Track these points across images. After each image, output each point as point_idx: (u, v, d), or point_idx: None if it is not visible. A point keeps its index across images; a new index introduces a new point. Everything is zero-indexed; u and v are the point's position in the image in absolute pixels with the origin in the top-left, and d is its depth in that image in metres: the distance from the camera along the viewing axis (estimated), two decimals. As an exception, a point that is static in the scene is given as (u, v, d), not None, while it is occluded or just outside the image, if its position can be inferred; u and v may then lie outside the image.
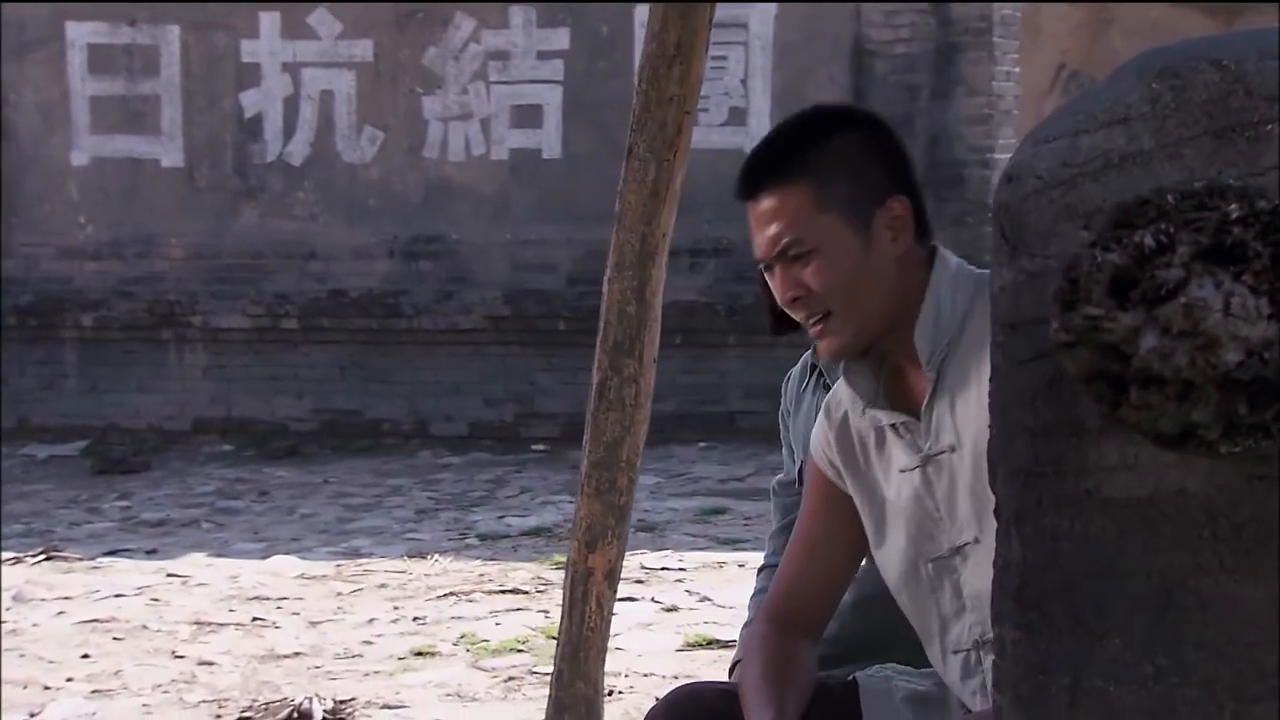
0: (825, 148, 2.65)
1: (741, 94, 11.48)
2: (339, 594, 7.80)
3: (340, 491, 10.68)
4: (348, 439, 12.23)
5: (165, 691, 6.22)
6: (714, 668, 6.31)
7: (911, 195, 2.68)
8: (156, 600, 7.70)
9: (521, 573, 8.02)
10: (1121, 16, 16.17)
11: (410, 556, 8.54)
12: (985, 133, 10.97)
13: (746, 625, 3.47)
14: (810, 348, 3.41)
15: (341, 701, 6.08)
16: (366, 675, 6.42)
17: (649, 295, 4.16)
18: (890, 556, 2.72)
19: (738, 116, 11.49)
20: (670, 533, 8.79)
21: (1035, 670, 1.50)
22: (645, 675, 6.13)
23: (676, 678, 6.14)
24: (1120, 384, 1.34)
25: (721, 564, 7.94)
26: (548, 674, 6.34)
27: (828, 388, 3.32)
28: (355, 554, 8.71)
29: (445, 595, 7.66)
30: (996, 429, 1.55)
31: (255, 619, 7.32)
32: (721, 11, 11.48)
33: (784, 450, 3.51)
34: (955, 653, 2.66)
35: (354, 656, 6.71)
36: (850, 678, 2.87)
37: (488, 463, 11.31)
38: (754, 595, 3.50)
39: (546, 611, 7.22)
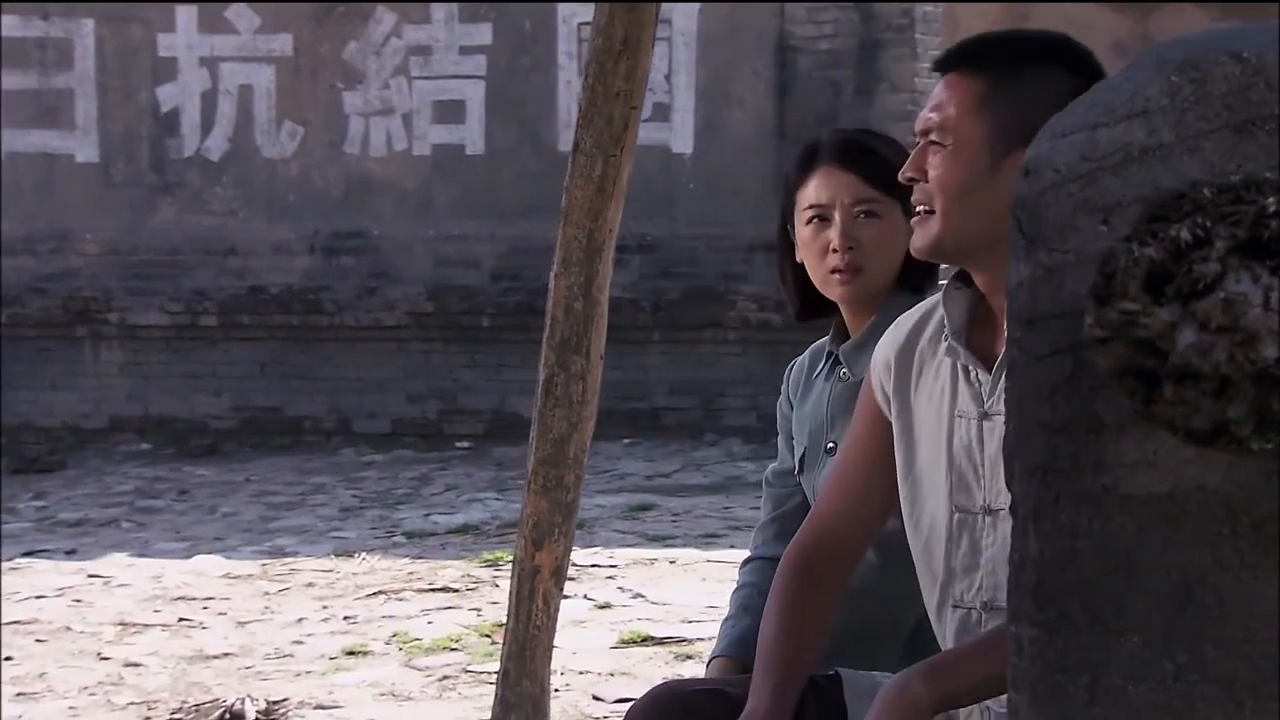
0: (1030, 68, 2.57)
1: (666, 90, 11.46)
2: (266, 593, 7.73)
3: (262, 490, 10.58)
4: (268, 436, 12.13)
5: (92, 694, 6.14)
6: (649, 664, 6.30)
7: None
8: (79, 601, 7.60)
9: (451, 570, 7.98)
10: (1037, 14, 16.27)
11: (337, 555, 8.47)
12: (909, 129, 10.97)
13: (738, 590, 3.43)
14: (828, 335, 3.39)
15: (274, 702, 6.02)
16: (298, 675, 6.36)
17: (595, 291, 4.14)
18: (918, 491, 2.69)
19: (661, 112, 11.47)
20: (599, 529, 8.77)
21: (1053, 669, 1.49)
22: (581, 673, 6.11)
23: (613, 675, 6.13)
24: (1151, 379, 1.32)
25: (652, 560, 7.92)
26: (482, 672, 6.33)
27: (844, 377, 3.29)
28: (280, 553, 8.63)
29: (375, 594, 7.60)
30: (1013, 425, 1.53)
31: (181, 619, 7.24)
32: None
33: (780, 439, 3.48)
34: (955, 607, 2.63)
35: (285, 656, 6.64)
36: (833, 671, 2.85)
37: (411, 460, 11.25)
38: (736, 590, 3.46)
39: (478, 609, 7.18)
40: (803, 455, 3.34)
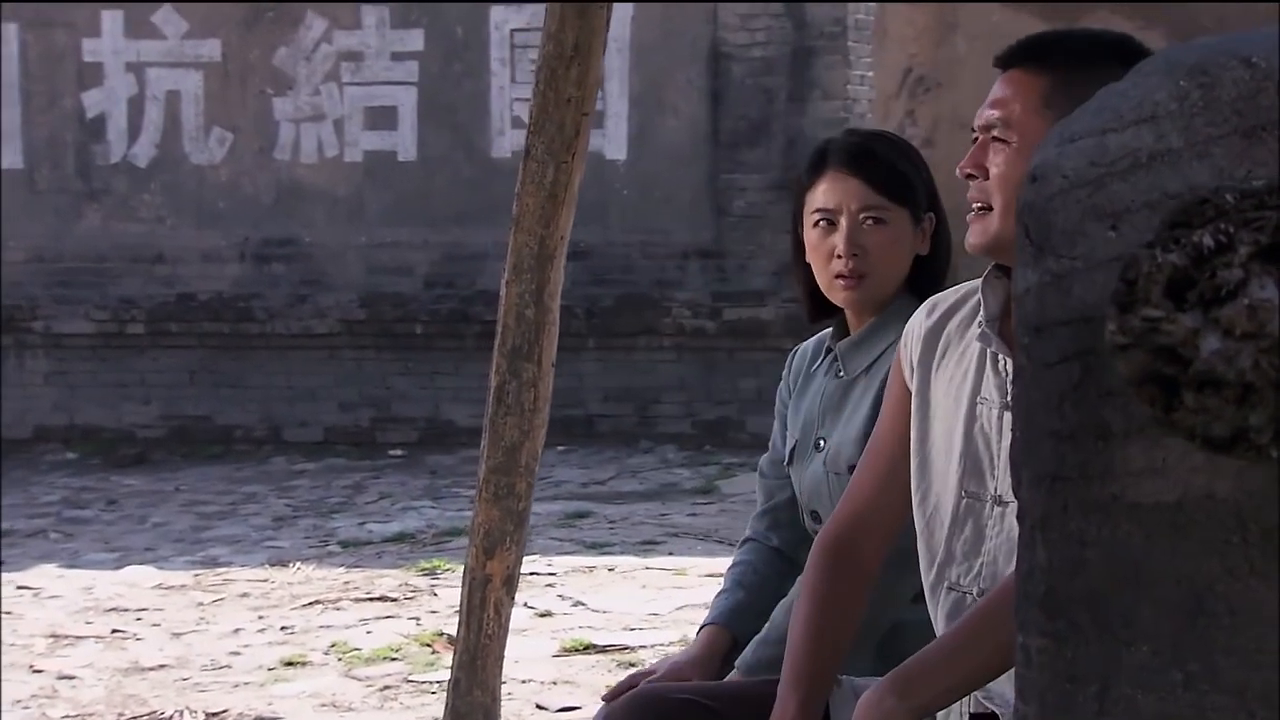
0: (1094, 66, 2.51)
1: (599, 96, 11.43)
2: (200, 604, 7.65)
3: (192, 499, 10.48)
4: (198, 445, 12.01)
5: (26, 707, 6.05)
6: (593, 673, 6.27)
7: None
8: (9, 613, 7.49)
9: (388, 580, 7.92)
10: (965, 20, 16.35)
11: (271, 565, 8.40)
12: (842, 136, 11.01)
13: (734, 566, 3.44)
14: (829, 328, 3.39)
15: (213, 714, 5.96)
16: (236, 686, 6.30)
17: (547, 298, 4.12)
18: (927, 469, 2.68)
19: (595, 119, 11.41)
20: (537, 537, 8.72)
21: (1061, 678, 1.47)
22: (524, 682, 6.07)
23: (555, 683, 6.10)
24: (1171, 386, 1.31)
25: (591, 568, 7.89)
26: (424, 682, 6.29)
27: (839, 375, 3.29)
28: (214, 563, 8.55)
29: (311, 603, 7.54)
30: (1020, 432, 1.52)
31: (115, 631, 7.15)
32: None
33: (775, 424, 3.48)
34: (950, 589, 2.63)
35: (222, 668, 6.57)
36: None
37: (344, 468, 11.17)
38: (732, 566, 3.48)
39: (417, 619, 7.13)
40: (794, 447, 3.35)
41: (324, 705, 6.04)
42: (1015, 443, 1.54)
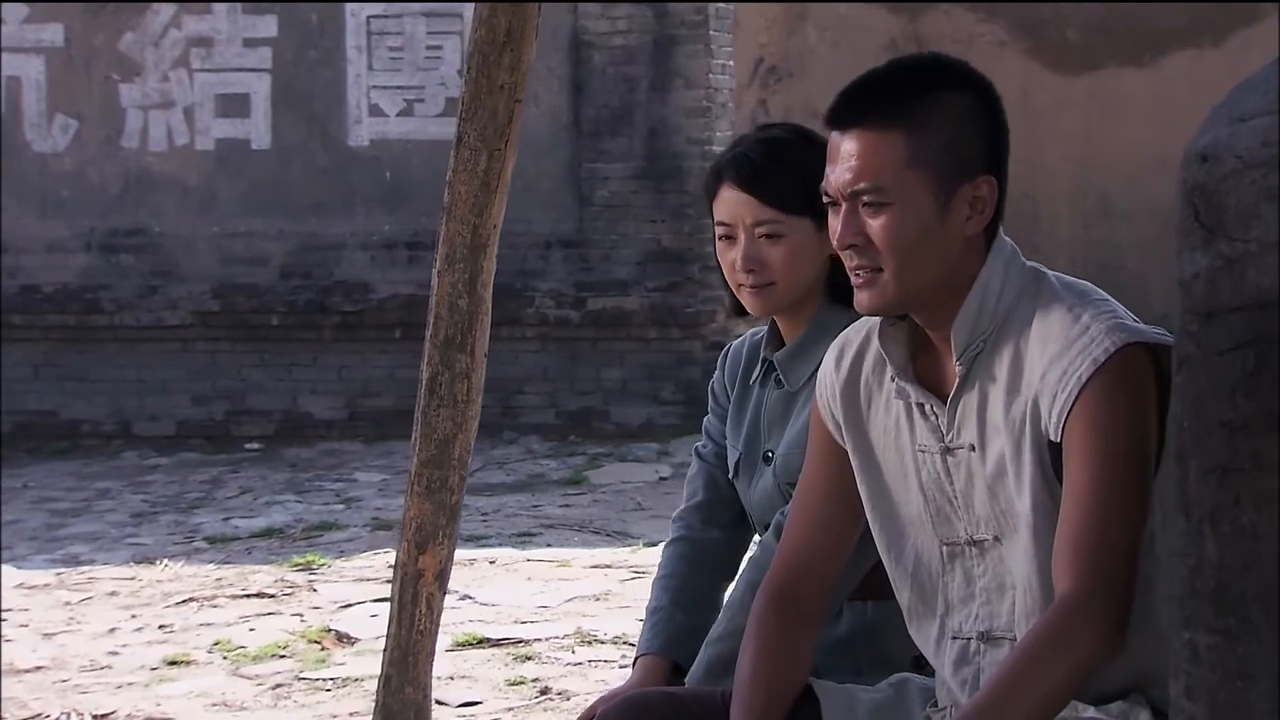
0: (934, 100, 2.53)
1: (458, 84, 11.31)
2: (67, 603, 7.43)
3: (43, 496, 10.20)
4: (44, 441, 11.70)
5: (-104, 716, 5.84)
6: (489, 667, 6.19)
7: (1000, 178, 2.58)
8: None
9: (262, 576, 7.76)
10: (814, 12, 16.42)
11: (137, 562, 8.19)
12: (704, 125, 11.02)
13: (666, 578, 3.34)
14: (758, 334, 3.33)
15: (100, 715, 5.79)
16: (120, 687, 6.12)
17: (480, 288, 4.03)
18: (894, 524, 2.65)
19: (454, 107, 11.25)
20: (408, 531, 8.61)
21: (1233, 676, 1.44)
22: (420, 678, 5.96)
23: (452, 679, 6.00)
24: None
25: (472, 561, 7.79)
26: (317, 679, 6.16)
27: (780, 384, 3.23)
28: (75, 561, 8.32)
29: (185, 601, 7.36)
30: (1187, 423, 1.48)
31: (-19, 632, 6.93)
32: (437, 2, 11.25)
33: (711, 419, 3.40)
34: (954, 639, 2.61)
35: (102, 668, 6.39)
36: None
37: (199, 463, 10.94)
38: (663, 578, 3.34)
39: (301, 615, 6.99)
40: (738, 460, 3.28)
41: (215, 705, 5.89)
42: (1181, 434, 1.50)
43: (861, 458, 2.68)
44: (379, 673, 4.42)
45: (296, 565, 7.90)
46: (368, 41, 11.34)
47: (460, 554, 7.95)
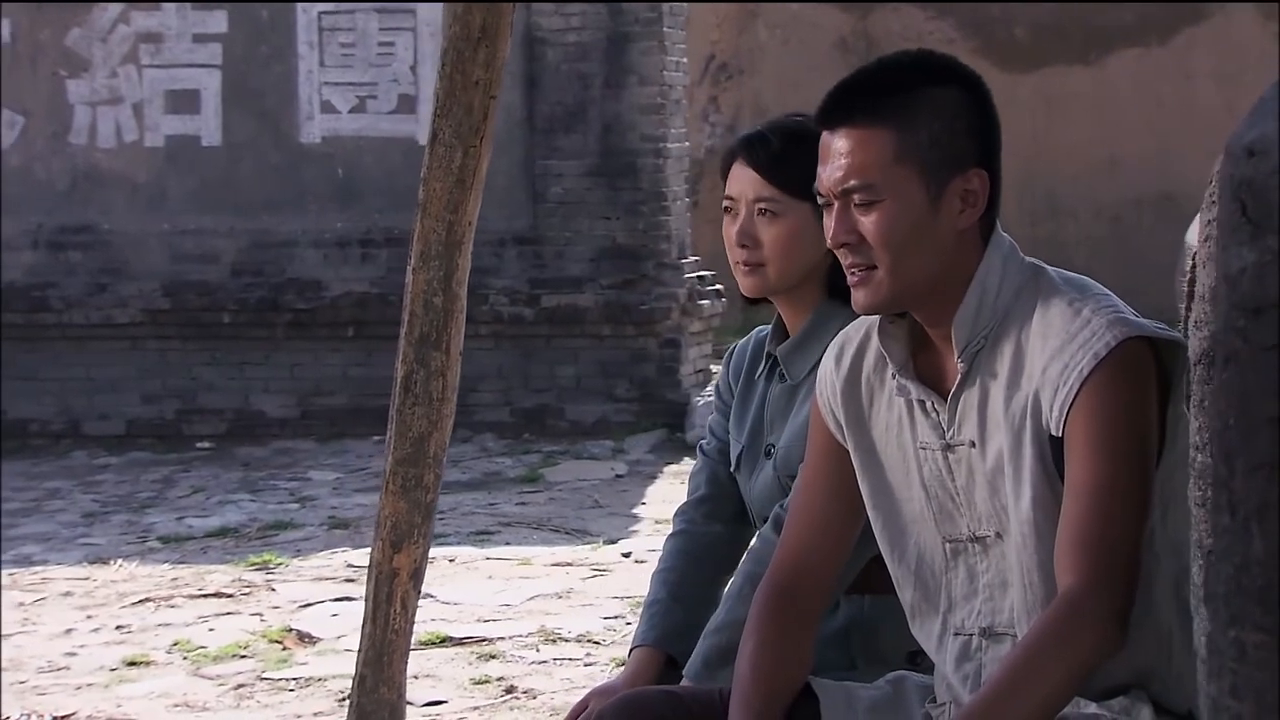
0: (921, 96, 2.55)
1: (411, 81, 11.27)
2: (21, 604, 7.36)
3: (-10, 496, 10.11)
4: (-10, 441, 11.58)
5: None
6: (453, 665, 6.18)
7: (992, 171, 2.60)
8: None
9: (219, 575, 7.70)
10: (765, 10, 16.47)
11: (90, 562, 8.12)
12: (658, 122, 10.99)
13: (664, 571, 3.34)
14: (763, 332, 3.33)
15: (61, 717, 5.75)
16: (79, 688, 6.07)
17: (455, 286, 4.01)
18: (896, 520, 2.65)
19: (407, 104, 11.28)
20: (365, 529, 8.55)
21: (1282, 673, 1.43)
22: (384, 678, 5.92)
23: (416, 677, 5.96)
24: None
25: (431, 559, 7.71)
26: (279, 679, 6.12)
27: (783, 378, 3.23)
28: (27, 561, 8.24)
29: (142, 601, 7.30)
30: (1234, 419, 1.47)
31: (-66, 634, 6.85)
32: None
33: (715, 417, 3.41)
34: (956, 635, 2.61)
35: (60, 669, 6.34)
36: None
37: (150, 462, 10.84)
38: (662, 570, 3.36)
39: (260, 614, 6.95)
40: (740, 454, 3.29)
41: (177, 705, 5.85)
42: (1228, 431, 1.49)
43: (863, 456, 2.68)
44: (351, 672, 4.41)
45: (253, 565, 7.85)
46: (319, 38, 11.27)
47: (419, 552, 7.96)
